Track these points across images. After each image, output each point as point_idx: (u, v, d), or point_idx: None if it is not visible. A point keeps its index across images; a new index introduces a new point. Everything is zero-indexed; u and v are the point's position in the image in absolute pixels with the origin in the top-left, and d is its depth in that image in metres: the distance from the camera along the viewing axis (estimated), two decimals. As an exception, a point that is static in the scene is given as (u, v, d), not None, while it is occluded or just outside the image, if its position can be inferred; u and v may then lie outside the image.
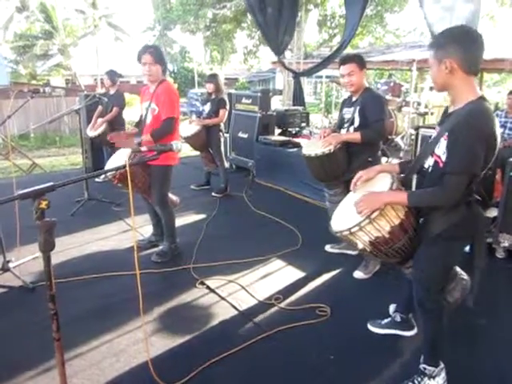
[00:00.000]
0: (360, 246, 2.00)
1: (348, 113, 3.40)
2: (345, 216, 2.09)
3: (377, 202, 1.92)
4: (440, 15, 5.25)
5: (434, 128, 2.05)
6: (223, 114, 5.43)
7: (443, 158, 1.84)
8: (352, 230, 1.93)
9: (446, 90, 1.90)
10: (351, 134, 3.25)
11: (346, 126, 3.40)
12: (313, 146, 3.39)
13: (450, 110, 1.95)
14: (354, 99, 3.37)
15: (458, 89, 1.85)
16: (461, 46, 1.78)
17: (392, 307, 2.76)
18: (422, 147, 2.13)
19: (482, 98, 1.81)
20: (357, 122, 3.27)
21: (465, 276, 2.18)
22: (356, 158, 3.29)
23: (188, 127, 5.39)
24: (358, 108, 3.26)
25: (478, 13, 5.05)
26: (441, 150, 1.87)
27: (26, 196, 1.46)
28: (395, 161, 5.00)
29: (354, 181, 2.24)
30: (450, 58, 1.78)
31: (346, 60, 3.23)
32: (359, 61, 3.21)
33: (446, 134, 1.83)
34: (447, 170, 1.79)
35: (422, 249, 2.03)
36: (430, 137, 2.12)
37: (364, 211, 1.92)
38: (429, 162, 1.98)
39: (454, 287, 2.13)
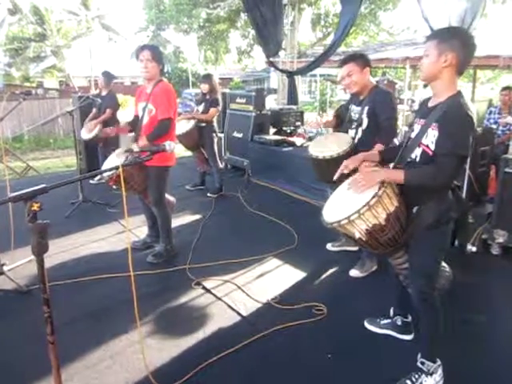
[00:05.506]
0: (357, 235, 2.04)
1: (356, 112, 3.27)
2: (339, 207, 2.13)
3: (375, 178, 2.00)
4: (437, 10, 5.25)
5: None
6: (213, 111, 5.43)
7: (432, 146, 1.95)
8: (351, 218, 1.96)
9: (432, 81, 2.00)
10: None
11: (353, 127, 3.27)
12: (320, 147, 3.28)
13: (431, 104, 2.06)
14: (361, 98, 3.23)
15: (444, 83, 1.96)
16: (464, 46, 1.90)
17: (392, 310, 2.75)
18: (404, 140, 2.22)
19: (460, 92, 1.96)
20: (365, 124, 3.15)
21: (446, 268, 2.31)
22: None
23: (180, 125, 5.35)
24: (366, 108, 3.13)
25: (476, 10, 5.04)
26: (429, 139, 1.97)
27: (17, 199, 1.45)
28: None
29: (340, 170, 2.28)
30: (453, 53, 1.89)
31: (343, 61, 3.14)
32: (359, 59, 3.10)
33: (434, 124, 1.94)
34: (442, 152, 1.89)
35: (419, 237, 2.08)
36: (409, 130, 2.21)
37: (363, 186, 2.00)
38: (416, 153, 2.07)
39: (440, 275, 2.25)
